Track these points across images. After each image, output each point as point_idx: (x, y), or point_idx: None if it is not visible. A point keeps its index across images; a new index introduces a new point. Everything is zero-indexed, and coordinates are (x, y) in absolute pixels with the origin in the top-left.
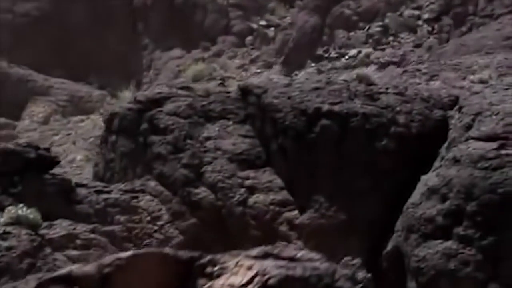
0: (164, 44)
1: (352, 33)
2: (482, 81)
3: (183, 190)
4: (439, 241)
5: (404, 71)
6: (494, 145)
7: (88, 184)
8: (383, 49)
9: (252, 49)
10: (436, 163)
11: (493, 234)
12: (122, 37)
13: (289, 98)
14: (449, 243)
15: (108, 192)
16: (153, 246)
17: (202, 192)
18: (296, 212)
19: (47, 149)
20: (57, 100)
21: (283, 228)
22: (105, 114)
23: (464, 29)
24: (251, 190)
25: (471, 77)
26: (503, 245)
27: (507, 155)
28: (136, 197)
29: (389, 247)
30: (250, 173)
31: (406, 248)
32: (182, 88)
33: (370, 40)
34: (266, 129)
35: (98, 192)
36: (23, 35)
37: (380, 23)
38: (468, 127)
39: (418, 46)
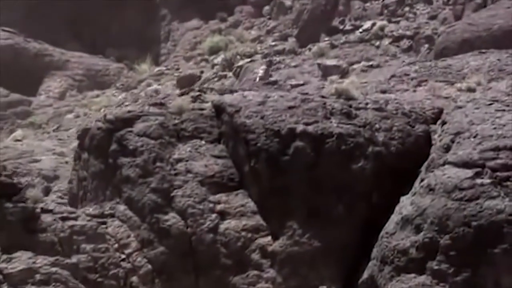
0: (181, 14)
1: (368, 4)
2: (469, 90)
3: (152, 216)
4: (413, 275)
5: (392, 76)
6: (469, 173)
7: (53, 210)
8: (397, 22)
9: (269, 19)
10: (416, 184)
11: (467, 270)
12: (139, 9)
13: (262, 117)
14: (422, 278)
15: (75, 219)
16: (120, 276)
17: (171, 218)
18: (269, 238)
19: (9, 175)
20: (74, 74)
21: (255, 256)
22: (79, 130)
23: (479, 1)
24: (223, 215)
25: (459, 85)
26: (477, 282)
27: (482, 184)
28: (105, 223)
29: (365, 275)
30: (222, 196)
31: (380, 280)
32: (154, 104)
33: (386, 11)
34: (239, 150)
35: (64, 219)
36: (39, 9)
37: None
38: (447, 148)
39: (433, 18)
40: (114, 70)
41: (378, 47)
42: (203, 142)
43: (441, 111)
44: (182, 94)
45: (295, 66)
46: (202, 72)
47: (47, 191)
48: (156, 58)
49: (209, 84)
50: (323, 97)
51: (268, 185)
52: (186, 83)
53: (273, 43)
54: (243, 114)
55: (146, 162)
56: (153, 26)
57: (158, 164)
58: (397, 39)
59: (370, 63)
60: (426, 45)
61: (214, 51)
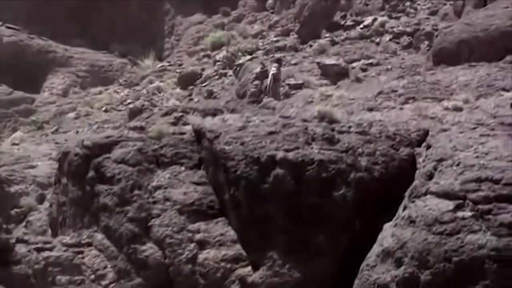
0: (185, 9)
1: None
2: (456, 109)
3: (129, 246)
4: None
5: (379, 93)
6: (450, 205)
7: (28, 240)
8: (398, 17)
9: (272, 13)
10: (399, 211)
11: None
12: (143, 3)
13: (242, 144)
14: None
15: (50, 249)
16: None
17: (148, 248)
18: (249, 268)
19: None
20: (77, 70)
21: (235, 287)
22: (59, 153)
23: None
24: (202, 245)
25: (446, 103)
26: None
27: (463, 218)
28: (81, 252)
29: None
30: (202, 225)
31: None
32: (134, 128)
33: (387, 6)
34: (218, 176)
35: (39, 250)
36: (43, 5)
37: None
38: (430, 175)
39: (433, 13)
40: (118, 66)
41: (378, 43)
42: (182, 168)
43: (426, 132)
44: (165, 115)
45: (295, 64)
46: (203, 69)
47: (41, 199)
48: (160, 52)
49: (209, 82)
50: (305, 120)
51: (248, 214)
52: (187, 81)
53: (275, 39)
54: (222, 140)
55: (124, 190)
56: (157, 21)
57: (136, 192)
58: (397, 36)
59: (370, 61)
60: (426, 42)
61: (217, 46)
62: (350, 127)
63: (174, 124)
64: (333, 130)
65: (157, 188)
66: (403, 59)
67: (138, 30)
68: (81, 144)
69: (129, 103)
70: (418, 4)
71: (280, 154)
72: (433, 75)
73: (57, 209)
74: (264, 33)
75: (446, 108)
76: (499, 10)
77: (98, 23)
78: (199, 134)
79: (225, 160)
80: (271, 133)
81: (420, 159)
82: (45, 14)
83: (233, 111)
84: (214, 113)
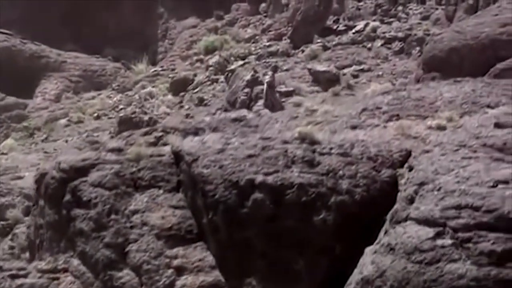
0: (178, 13)
1: (361, 3)
2: (439, 128)
3: (105, 273)
4: None
5: (363, 110)
6: (430, 232)
7: (2, 267)
8: (390, 23)
9: (265, 16)
10: (381, 234)
11: None
12: (136, 7)
13: (220, 167)
14: None
15: (25, 276)
16: None
17: (125, 275)
18: None
19: None
20: (70, 75)
21: None
22: (36, 174)
23: (470, 1)
24: (180, 271)
25: (429, 122)
26: None
27: (442, 246)
28: (57, 278)
29: None
30: (180, 250)
31: None
32: (112, 150)
33: (379, 10)
34: (197, 200)
35: (13, 276)
36: (36, 10)
37: None
38: (411, 199)
39: (425, 18)
40: (111, 70)
41: (370, 49)
42: (161, 191)
43: (409, 153)
44: (145, 134)
45: (287, 70)
46: (195, 75)
47: (28, 211)
48: (154, 56)
49: (201, 88)
50: (285, 142)
51: (227, 239)
52: (179, 87)
53: (268, 43)
54: (201, 163)
55: (100, 215)
56: (151, 25)
57: (112, 216)
58: (389, 41)
59: (361, 66)
60: (418, 48)
61: (210, 50)
62: (331, 148)
63: (154, 144)
64: (314, 152)
65: (135, 212)
66: (394, 65)
67: (131, 34)
68: (57, 167)
69: (121, 109)
70: (410, 9)
71: (259, 178)
72: (418, 91)
73: (35, 231)
74: (257, 37)
75: (430, 127)
76: (489, 17)
77: (91, 28)
78: (177, 156)
79: (203, 184)
80: (250, 156)
81: (402, 181)
82: (38, 19)
83: (215, 129)
84: (196, 131)
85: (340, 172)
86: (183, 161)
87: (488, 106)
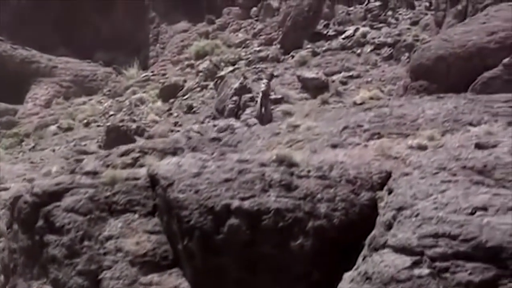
0: (170, 17)
1: (351, 8)
2: (420, 147)
3: None
4: None
5: (345, 128)
6: (407, 261)
7: None
8: (379, 28)
9: (256, 20)
10: (359, 260)
11: None
12: (128, 11)
13: (196, 192)
14: None
15: None
16: None
17: None
18: None
19: None
20: (61, 80)
21: None
22: (10, 198)
23: (459, 7)
24: None
25: (410, 141)
26: None
27: (419, 276)
28: None
29: None
30: (155, 277)
31: None
32: (87, 173)
33: (369, 15)
34: (172, 226)
35: None
36: (28, 14)
37: None
38: (389, 225)
39: (415, 23)
40: (102, 75)
41: (359, 55)
42: (136, 216)
43: (389, 175)
44: (123, 155)
45: (276, 76)
46: (185, 81)
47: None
48: (145, 60)
49: (190, 95)
50: (262, 165)
51: (202, 265)
52: (169, 93)
53: (258, 48)
54: (176, 188)
55: (73, 241)
56: (142, 29)
57: (86, 243)
58: (378, 47)
59: (350, 73)
60: (406, 54)
61: (201, 55)
62: (309, 171)
63: (132, 165)
64: (291, 174)
65: (109, 238)
66: (383, 71)
67: (123, 38)
68: (30, 191)
69: (111, 115)
70: (400, 14)
71: (235, 203)
72: (401, 108)
73: (9, 255)
74: (247, 41)
75: (411, 147)
76: (476, 25)
77: (83, 32)
78: (153, 180)
79: (178, 210)
80: (227, 180)
81: (382, 204)
82: (30, 24)
83: (194, 149)
84: (174, 151)
85: (318, 196)
86: (159, 185)
87: (470, 124)
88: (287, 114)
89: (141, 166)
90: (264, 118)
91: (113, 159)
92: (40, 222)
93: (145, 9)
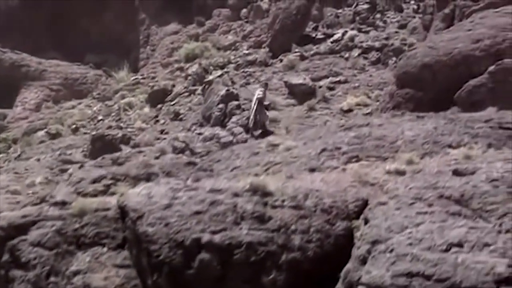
0: (160, 18)
1: (340, 10)
2: (398, 172)
3: None
4: None
5: (323, 150)
6: None
7: None
8: (367, 31)
9: (246, 22)
10: None
11: None
12: (119, 13)
13: (166, 225)
14: None
15: None
16: None
17: None
18: None
19: None
20: (51, 84)
21: None
22: None
23: (447, 11)
24: None
25: (387, 166)
26: None
27: None
28: None
29: None
30: None
31: None
32: (55, 204)
33: (358, 18)
34: (142, 260)
35: None
36: (16, 18)
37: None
38: (363, 260)
39: (402, 27)
40: (92, 78)
41: (347, 59)
42: (105, 249)
43: (365, 203)
44: (94, 182)
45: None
46: (173, 85)
47: None
48: (136, 62)
49: (178, 100)
50: (235, 195)
51: None
52: (157, 98)
53: (247, 51)
54: (145, 221)
55: (39, 277)
56: (133, 31)
57: (52, 279)
58: (366, 51)
59: (338, 78)
60: (394, 58)
61: (190, 58)
62: (283, 200)
63: (103, 192)
64: (265, 205)
65: (76, 273)
66: (371, 76)
67: (114, 41)
68: None
69: (99, 120)
70: (388, 17)
71: (206, 237)
72: (380, 128)
73: None
74: (237, 44)
75: (388, 172)
76: (462, 33)
77: (73, 35)
78: (123, 211)
79: (148, 244)
80: (197, 212)
81: (358, 233)
82: (20, 27)
83: (168, 174)
84: (148, 177)
85: (292, 227)
86: (128, 217)
87: (450, 146)
88: (273, 121)
89: (113, 194)
90: (258, 125)
91: (85, 186)
92: (6, 257)
93: (135, 11)
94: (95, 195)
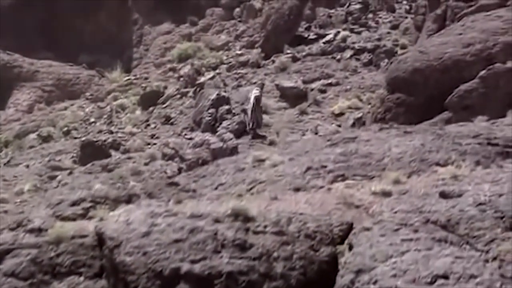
0: (153, 18)
1: (332, 10)
2: (384, 193)
3: None
4: None
5: (308, 168)
6: None
7: None
8: (359, 32)
9: (239, 21)
10: None
11: None
12: (112, 13)
13: (144, 254)
14: None
15: None
16: None
17: None
18: None
19: None
20: (43, 85)
21: None
22: None
23: (439, 11)
24: None
25: (373, 187)
26: None
27: None
28: None
29: None
30: None
31: None
32: (31, 231)
33: (350, 18)
34: None
35: None
36: (9, 18)
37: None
38: None
39: (395, 27)
40: (85, 78)
41: (339, 60)
42: (81, 278)
43: (350, 226)
44: (73, 204)
45: (255, 83)
46: (166, 87)
47: None
48: (129, 62)
49: (170, 103)
50: (216, 221)
51: None
52: (149, 100)
53: (240, 52)
54: (123, 250)
55: None
56: (126, 31)
57: None
58: (358, 52)
59: (330, 80)
60: (386, 60)
61: (183, 58)
62: (266, 226)
63: (83, 216)
64: (247, 231)
65: None
66: (362, 78)
67: (107, 40)
68: None
69: (91, 123)
70: (380, 17)
71: (185, 267)
72: (367, 144)
73: None
74: (230, 44)
75: (374, 193)
76: (452, 37)
77: (67, 35)
78: (100, 238)
79: (125, 274)
80: (177, 240)
81: (342, 259)
82: (12, 28)
83: (150, 195)
84: (129, 199)
85: (275, 254)
86: (106, 246)
87: (437, 164)
88: (265, 126)
89: (92, 217)
90: (255, 125)
91: (63, 209)
92: None
93: (129, 10)
94: (73, 219)
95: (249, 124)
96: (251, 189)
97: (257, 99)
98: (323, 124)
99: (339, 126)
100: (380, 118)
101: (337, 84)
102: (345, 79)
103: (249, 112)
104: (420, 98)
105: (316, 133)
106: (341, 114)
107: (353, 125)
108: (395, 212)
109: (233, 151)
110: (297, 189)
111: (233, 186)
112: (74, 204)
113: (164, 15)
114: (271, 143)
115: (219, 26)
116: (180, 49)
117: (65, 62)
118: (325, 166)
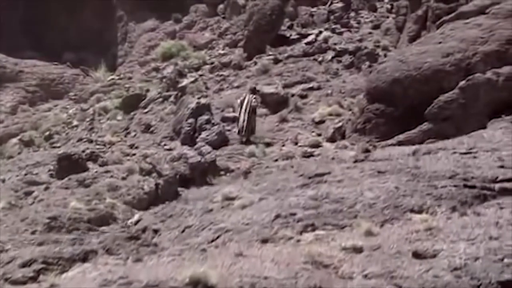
0: (137, 15)
1: (315, 9)
2: (355, 249)
3: None
4: None
5: (277, 216)
6: None
7: None
8: (341, 33)
9: (223, 18)
10: None
11: None
12: (96, 10)
13: None
14: None
15: None
16: None
17: None
18: None
19: None
20: (27, 85)
21: None
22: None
23: (419, 12)
24: None
25: (343, 243)
26: None
27: None
28: None
29: None
30: None
31: None
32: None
33: (332, 17)
34: None
35: None
36: None
37: None
38: None
39: (376, 27)
40: (69, 78)
41: (320, 62)
42: None
43: None
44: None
45: (237, 87)
46: (148, 90)
47: None
48: (114, 59)
49: (151, 108)
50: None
51: None
52: (131, 104)
53: (222, 51)
54: None
55: None
56: (110, 28)
57: None
58: (339, 54)
59: (311, 84)
60: (367, 63)
61: (167, 57)
62: None
63: (34, 279)
64: None
65: None
66: (344, 81)
67: (92, 38)
68: None
69: (73, 126)
70: (362, 17)
71: None
72: (339, 186)
73: None
74: (213, 42)
75: (345, 249)
76: (431, 46)
77: (51, 34)
78: None
79: None
80: None
81: None
82: None
83: (108, 251)
84: (85, 257)
85: None
86: None
87: (412, 210)
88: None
89: (42, 281)
90: (247, 131)
91: (13, 271)
92: None
93: (113, 8)
94: (24, 282)
95: (241, 132)
96: (217, 238)
97: (254, 109)
98: (304, 133)
99: (319, 135)
100: (360, 128)
101: (318, 88)
102: (326, 82)
103: (241, 120)
104: (399, 108)
105: (296, 143)
106: (322, 122)
107: (333, 134)
108: (366, 276)
109: (211, 165)
110: (264, 241)
111: (199, 229)
112: (24, 265)
113: (148, 12)
114: (251, 155)
115: (203, 23)
116: (163, 47)
117: (50, 61)
118: (295, 214)
